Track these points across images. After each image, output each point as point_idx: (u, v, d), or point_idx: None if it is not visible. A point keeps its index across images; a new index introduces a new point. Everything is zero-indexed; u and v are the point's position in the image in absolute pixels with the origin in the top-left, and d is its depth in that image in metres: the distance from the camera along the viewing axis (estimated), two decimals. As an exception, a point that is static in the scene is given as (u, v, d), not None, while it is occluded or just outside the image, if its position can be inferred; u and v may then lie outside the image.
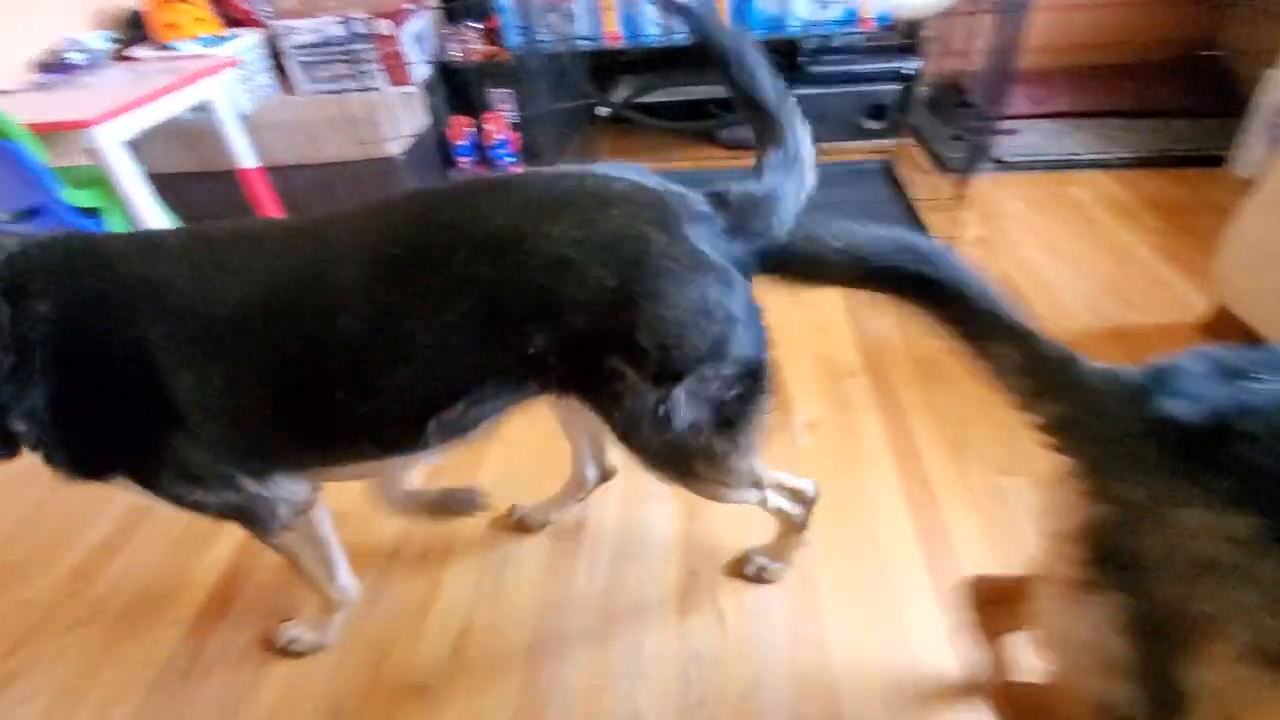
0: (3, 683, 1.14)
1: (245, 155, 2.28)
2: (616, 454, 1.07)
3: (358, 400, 0.79)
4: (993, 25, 1.83)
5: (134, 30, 2.40)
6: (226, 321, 0.76)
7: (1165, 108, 2.61)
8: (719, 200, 0.82)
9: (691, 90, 2.89)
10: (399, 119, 2.40)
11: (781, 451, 1.44)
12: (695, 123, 2.90)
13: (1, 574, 1.33)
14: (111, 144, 1.76)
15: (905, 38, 2.71)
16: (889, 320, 1.79)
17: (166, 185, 2.06)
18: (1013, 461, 1.35)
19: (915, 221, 2.18)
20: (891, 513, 1.29)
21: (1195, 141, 2.42)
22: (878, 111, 2.70)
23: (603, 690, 1.06)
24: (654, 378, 0.80)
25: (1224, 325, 1.59)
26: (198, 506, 0.89)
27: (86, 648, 1.18)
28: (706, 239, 0.78)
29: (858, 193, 2.42)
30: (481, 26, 2.71)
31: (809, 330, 1.80)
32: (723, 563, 1.23)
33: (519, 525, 1.33)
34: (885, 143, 2.68)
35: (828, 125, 2.60)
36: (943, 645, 1.07)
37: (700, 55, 0.89)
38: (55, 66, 2.16)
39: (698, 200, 0.82)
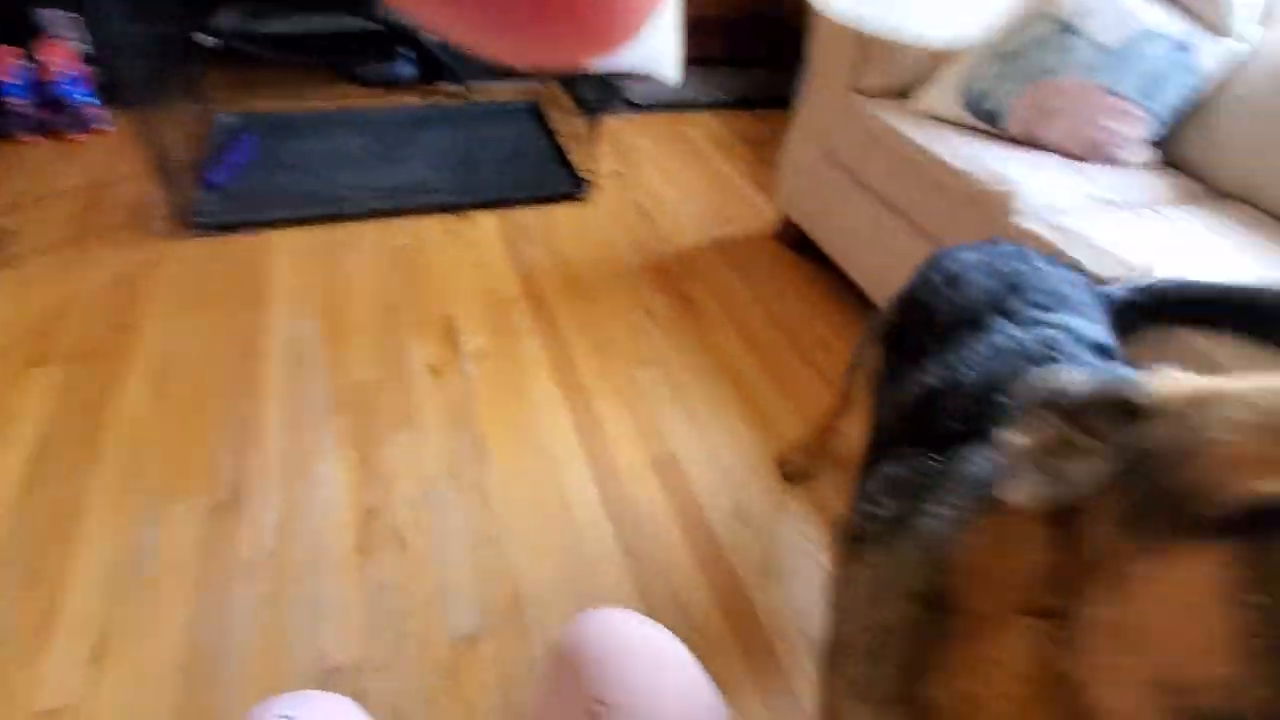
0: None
1: None
2: None
3: None
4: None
5: None
6: None
7: (748, 58, 3.19)
8: None
9: (319, 22, 2.64)
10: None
11: (454, 383, 1.50)
12: (328, 58, 2.67)
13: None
14: None
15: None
16: (540, 248, 1.94)
17: None
18: (639, 354, 1.62)
19: (560, 156, 2.35)
20: (554, 415, 1.46)
21: (770, 88, 3.01)
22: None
23: (280, 644, 1.04)
24: None
25: (787, 230, 2.07)
26: None
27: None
28: None
29: (510, 130, 2.51)
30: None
31: (472, 268, 1.86)
32: (402, 493, 1.27)
33: None
34: (534, 85, 2.80)
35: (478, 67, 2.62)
36: (601, 518, 1.27)
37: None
38: None
39: None
